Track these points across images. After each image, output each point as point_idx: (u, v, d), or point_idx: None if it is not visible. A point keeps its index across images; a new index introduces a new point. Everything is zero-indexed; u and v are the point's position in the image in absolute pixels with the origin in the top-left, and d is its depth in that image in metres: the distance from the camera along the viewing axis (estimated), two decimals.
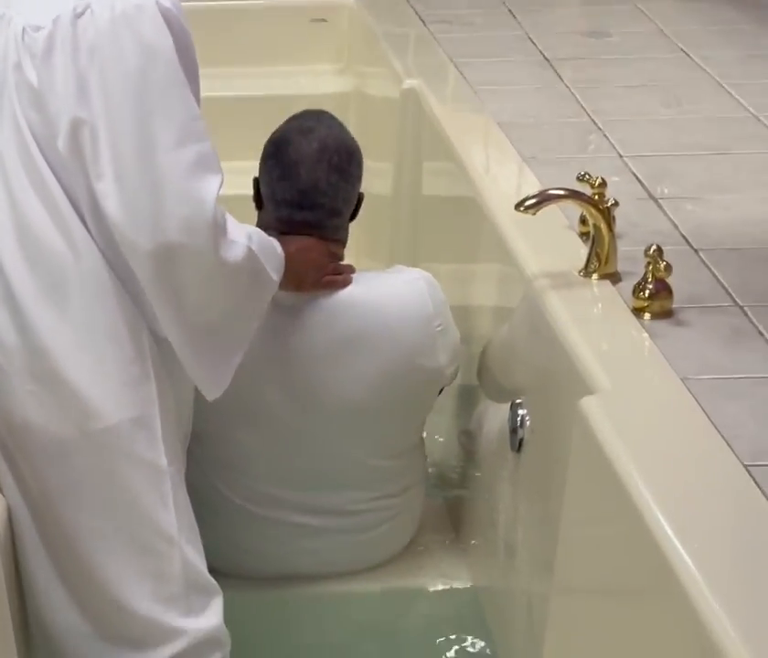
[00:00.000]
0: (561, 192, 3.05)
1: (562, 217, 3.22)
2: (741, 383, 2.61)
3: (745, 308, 2.88)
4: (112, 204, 2.75)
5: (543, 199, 3.01)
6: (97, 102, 2.74)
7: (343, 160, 3.23)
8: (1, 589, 2.61)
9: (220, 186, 2.78)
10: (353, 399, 3.25)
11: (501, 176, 3.62)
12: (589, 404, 2.57)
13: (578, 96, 4.07)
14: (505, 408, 3.16)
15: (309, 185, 3.20)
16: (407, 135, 4.29)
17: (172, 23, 2.77)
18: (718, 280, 3.00)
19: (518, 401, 3.08)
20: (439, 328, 3.30)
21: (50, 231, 2.83)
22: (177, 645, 2.95)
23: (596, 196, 3.02)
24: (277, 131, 3.28)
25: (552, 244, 3.16)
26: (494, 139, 3.82)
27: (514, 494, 3.16)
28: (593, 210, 2.99)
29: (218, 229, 2.78)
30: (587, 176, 3.11)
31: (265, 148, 3.27)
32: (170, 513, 2.92)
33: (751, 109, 3.93)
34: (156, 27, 2.75)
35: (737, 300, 2.91)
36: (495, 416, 3.33)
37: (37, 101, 2.80)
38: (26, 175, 2.83)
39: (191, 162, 2.75)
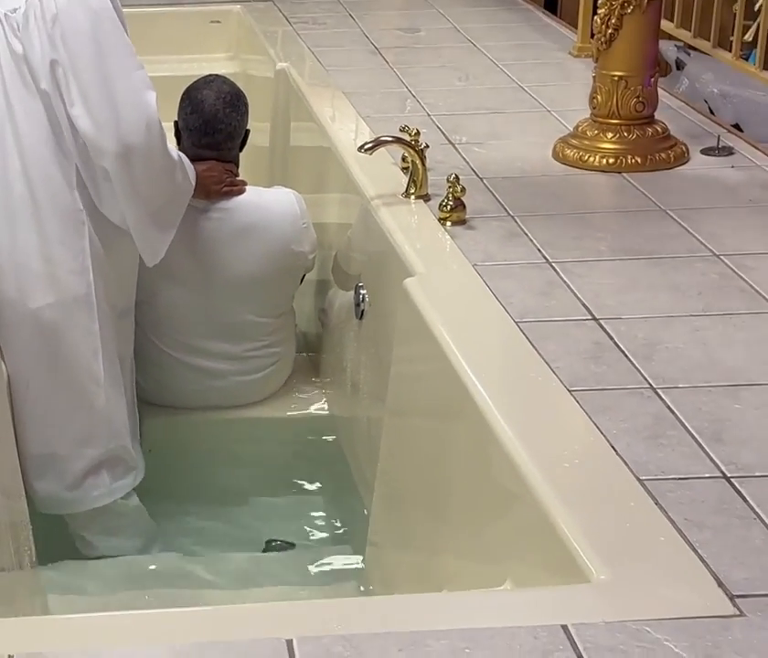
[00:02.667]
0: (390, 138, 3.06)
1: (389, 157, 3.21)
2: (513, 267, 2.63)
3: (515, 217, 2.90)
4: (83, 123, 2.77)
5: (377, 144, 3.03)
6: (63, 52, 2.76)
7: (234, 98, 3.28)
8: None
9: (157, 98, 2.82)
10: (245, 272, 3.27)
11: (346, 130, 3.57)
12: (410, 283, 2.59)
13: (398, 73, 4.05)
14: (350, 291, 3.17)
15: (211, 115, 3.24)
16: (279, 103, 4.24)
17: None
18: (497, 198, 3.01)
19: (360, 284, 3.09)
20: (304, 225, 3.34)
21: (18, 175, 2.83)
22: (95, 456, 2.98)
23: (413, 142, 3.02)
24: (190, 84, 3.34)
25: (382, 175, 3.14)
26: (340, 104, 3.79)
27: (358, 349, 3.17)
28: (412, 151, 3.00)
29: (163, 131, 2.83)
30: (407, 128, 3.10)
31: (182, 95, 3.31)
32: (99, 364, 2.94)
33: (517, 81, 3.93)
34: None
35: (510, 212, 2.93)
36: (343, 296, 3.33)
37: (22, 63, 2.80)
38: (9, 127, 2.83)
39: (138, 83, 2.79)
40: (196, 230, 3.22)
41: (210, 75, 3.36)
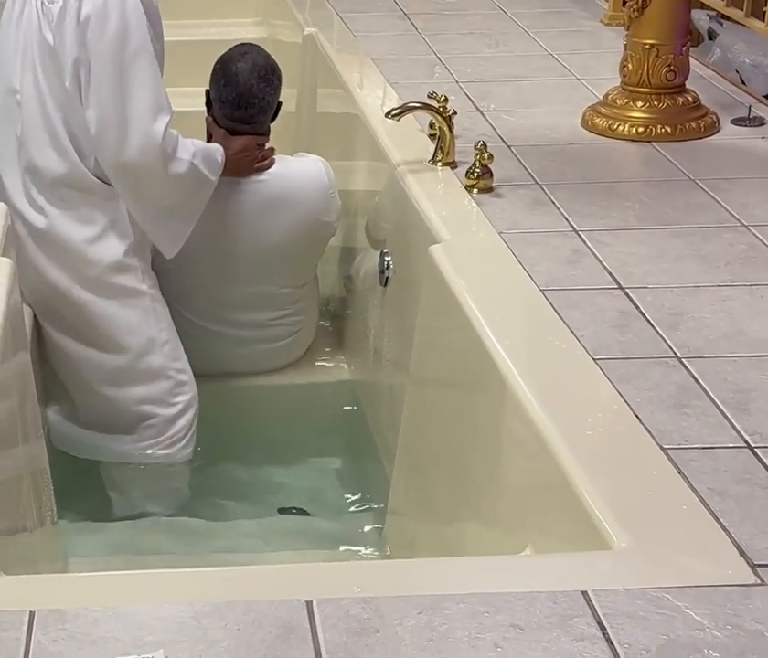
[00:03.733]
0: (418, 104, 3.06)
1: (416, 123, 3.22)
2: (539, 236, 2.64)
3: (542, 185, 2.90)
4: (93, 128, 2.86)
5: (405, 109, 3.03)
6: (87, 53, 2.81)
7: (268, 72, 3.24)
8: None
9: (169, 121, 2.86)
10: (273, 244, 3.26)
11: (374, 96, 3.58)
12: (435, 250, 2.59)
13: (427, 40, 4.04)
14: (375, 257, 3.17)
15: (245, 89, 3.21)
16: (307, 69, 4.24)
17: (147, 6, 2.84)
18: (524, 166, 3.02)
19: (385, 251, 3.09)
20: (332, 194, 3.32)
21: (51, 155, 2.92)
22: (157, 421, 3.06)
23: (441, 108, 3.02)
24: (224, 54, 3.29)
25: (409, 142, 3.15)
26: (368, 70, 3.78)
27: (381, 316, 3.18)
28: (439, 117, 3.00)
29: (166, 154, 2.87)
30: (435, 94, 3.09)
31: (215, 65, 3.27)
32: (150, 319, 3.03)
33: (547, 49, 3.93)
34: (134, 11, 2.81)
35: (537, 180, 2.93)
36: (368, 263, 3.33)
37: (52, 55, 2.86)
38: (38, 111, 2.91)
39: (148, 107, 2.84)
40: (223, 202, 3.22)
41: (245, 45, 3.32)
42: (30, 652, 1.50)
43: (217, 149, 3.09)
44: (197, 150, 2.99)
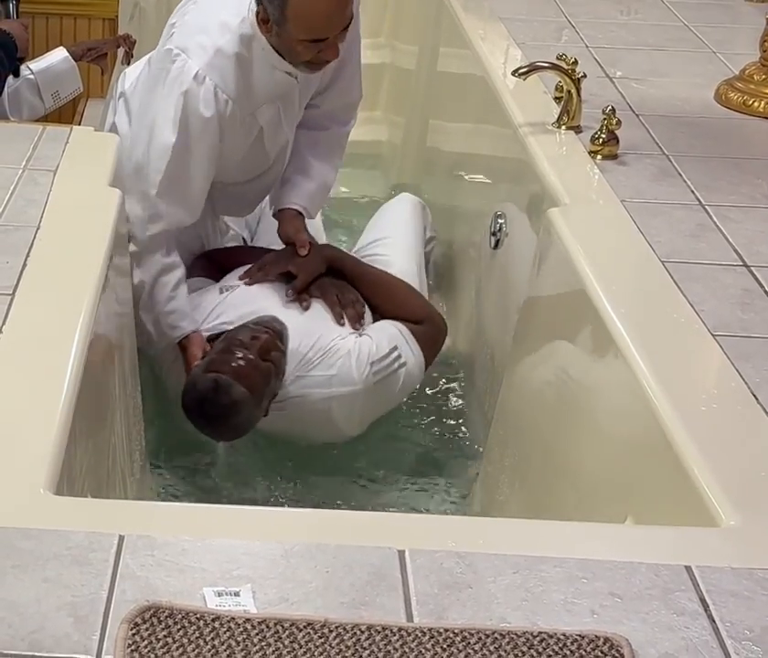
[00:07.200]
0: (546, 64, 3.03)
1: (542, 85, 3.19)
2: (663, 206, 2.61)
3: (670, 156, 2.87)
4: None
5: (532, 68, 3.00)
6: None
7: None
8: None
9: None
10: None
11: (500, 56, 3.55)
12: (554, 213, 2.58)
13: (557, 2, 4.01)
14: (486, 219, 3.14)
15: None
16: (430, 26, 4.24)
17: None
18: (651, 136, 2.98)
19: (499, 213, 3.07)
20: None
21: None
22: None
23: (570, 70, 2.99)
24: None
25: (533, 104, 3.12)
26: (496, 30, 3.75)
27: (488, 279, 3.17)
28: (567, 79, 2.97)
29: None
30: (564, 56, 3.05)
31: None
32: None
33: (683, 20, 3.88)
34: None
35: (664, 150, 2.90)
36: (479, 225, 3.29)
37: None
38: None
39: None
40: None
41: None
42: (118, 575, 1.52)
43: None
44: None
